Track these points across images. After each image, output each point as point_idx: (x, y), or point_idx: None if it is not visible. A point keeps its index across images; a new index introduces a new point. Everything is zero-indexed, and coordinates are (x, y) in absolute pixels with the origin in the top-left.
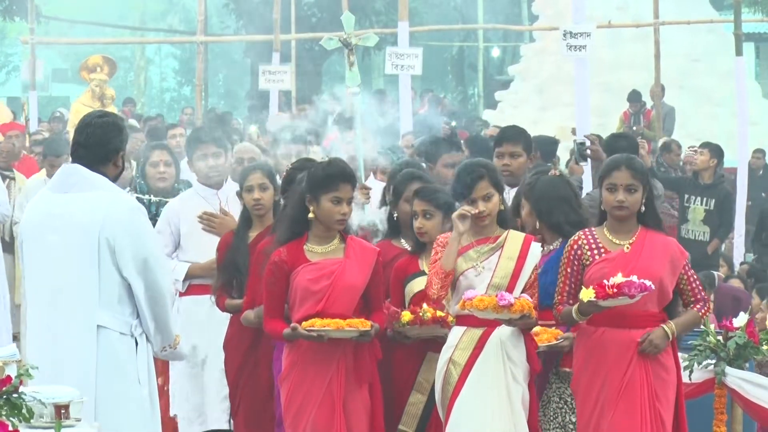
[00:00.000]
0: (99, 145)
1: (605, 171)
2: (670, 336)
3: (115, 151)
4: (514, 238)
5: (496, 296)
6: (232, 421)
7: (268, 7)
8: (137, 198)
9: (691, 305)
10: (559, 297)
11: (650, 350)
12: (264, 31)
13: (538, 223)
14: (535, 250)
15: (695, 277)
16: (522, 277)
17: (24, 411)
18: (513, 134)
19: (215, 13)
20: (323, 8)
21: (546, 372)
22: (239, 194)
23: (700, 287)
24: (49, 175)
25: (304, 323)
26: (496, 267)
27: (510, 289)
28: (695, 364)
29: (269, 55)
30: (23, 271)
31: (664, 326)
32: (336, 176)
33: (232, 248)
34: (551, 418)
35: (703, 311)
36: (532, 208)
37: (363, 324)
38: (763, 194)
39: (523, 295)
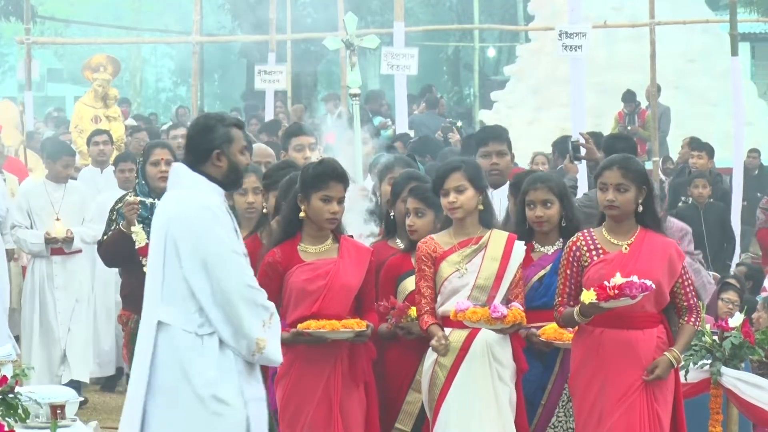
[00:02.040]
0: (190, 145)
1: (599, 170)
2: (675, 364)
3: (206, 150)
4: (497, 238)
5: (489, 308)
6: None
7: (264, 8)
8: (141, 202)
9: (684, 317)
10: (560, 299)
11: (655, 380)
12: (260, 32)
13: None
14: (519, 249)
15: (690, 281)
16: (506, 277)
17: (20, 411)
18: (497, 133)
19: (211, 13)
20: (319, 8)
21: (566, 372)
22: (228, 195)
23: (693, 293)
24: (50, 175)
25: (299, 325)
26: (480, 268)
27: (495, 289)
28: (691, 364)
29: (265, 56)
30: None
31: (669, 355)
32: (326, 175)
33: None
34: (572, 416)
35: (697, 324)
36: (562, 207)
37: (359, 324)
38: (758, 194)
39: (513, 304)
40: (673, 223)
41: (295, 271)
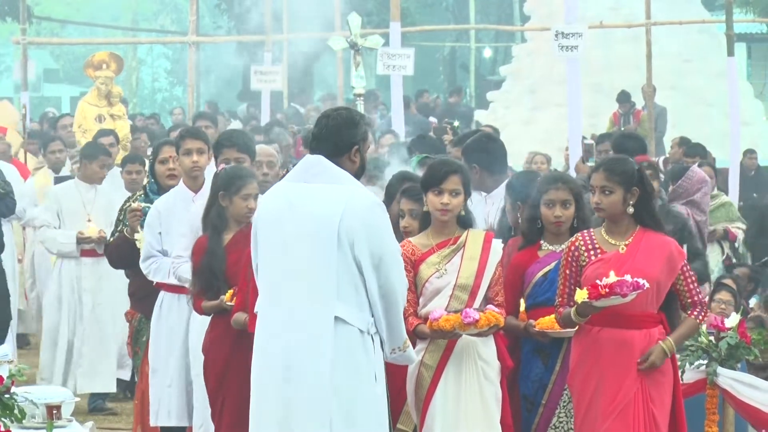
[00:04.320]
0: (331, 137)
1: (589, 173)
2: (669, 353)
3: (348, 145)
4: (475, 237)
5: (461, 314)
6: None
7: (260, 8)
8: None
9: (688, 311)
10: (560, 299)
11: (650, 369)
12: (256, 32)
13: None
14: (497, 246)
15: (693, 278)
16: (486, 275)
17: (16, 411)
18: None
19: (207, 13)
20: (315, 9)
21: (567, 369)
22: (223, 196)
23: (698, 289)
24: (82, 176)
25: None
26: (460, 268)
27: (476, 287)
28: (687, 365)
29: (261, 56)
30: (257, 261)
31: (663, 345)
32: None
33: (208, 252)
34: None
35: (700, 317)
36: (577, 207)
37: None
38: (754, 194)
39: (489, 307)
40: (696, 172)
41: None
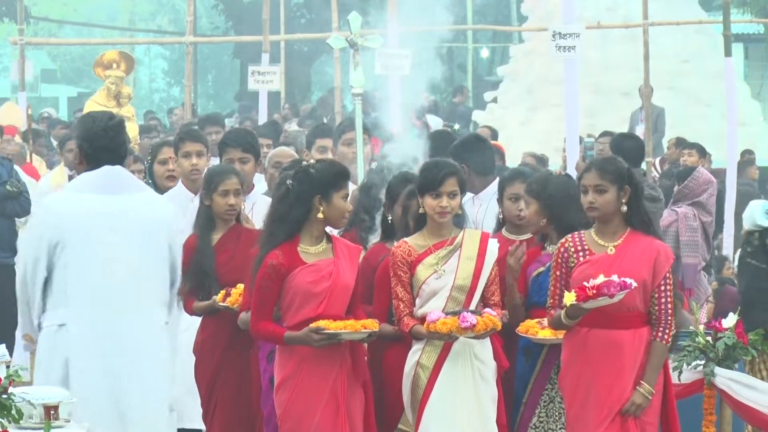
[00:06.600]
0: (120, 146)
1: (581, 173)
2: (649, 394)
3: (127, 151)
4: (471, 237)
5: (458, 318)
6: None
7: (257, 8)
8: None
9: (654, 329)
10: (551, 300)
11: (636, 412)
12: (253, 32)
13: (543, 221)
14: (493, 247)
15: (669, 292)
16: (483, 276)
17: (13, 412)
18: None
19: (204, 13)
20: (312, 9)
21: (547, 371)
22: (205, 195)
23: (669, 304)
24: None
25: (312, 325)
26: (457, 268)
27: (473, 288)
28: (684, 365)
29: (258, 56)
30: (66, 274)
31: (640, 390)
32: (344, 174)
33: (197, 252)
34: (556, 417)
35: (665, 338)
36: (543, 207)
37: (373, 325)
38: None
39: (486, 310)
40: (702, 173)
41: (298, 273)
